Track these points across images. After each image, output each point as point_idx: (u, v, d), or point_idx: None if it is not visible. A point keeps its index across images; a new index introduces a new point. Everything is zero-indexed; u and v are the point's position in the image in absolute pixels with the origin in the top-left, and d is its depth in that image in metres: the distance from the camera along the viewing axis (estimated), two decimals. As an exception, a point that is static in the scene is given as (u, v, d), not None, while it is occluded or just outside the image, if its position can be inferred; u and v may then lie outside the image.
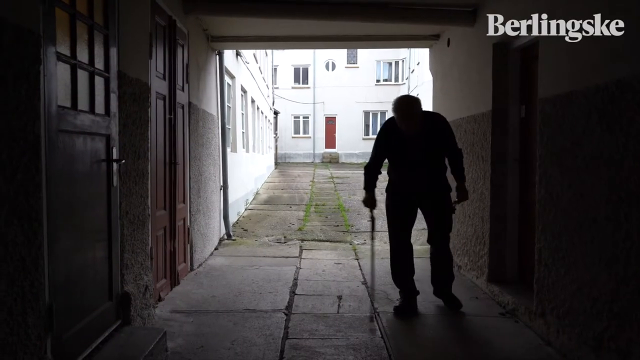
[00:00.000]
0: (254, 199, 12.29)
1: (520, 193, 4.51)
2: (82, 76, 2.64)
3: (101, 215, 2.92)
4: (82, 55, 2.64)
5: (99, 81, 2.82)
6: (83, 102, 2.64)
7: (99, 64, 2.83)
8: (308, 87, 30.87)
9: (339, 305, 4.30)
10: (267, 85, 18.99)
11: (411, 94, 26.38)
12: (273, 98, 23.69)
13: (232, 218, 8.20)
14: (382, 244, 7.05)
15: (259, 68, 15.07)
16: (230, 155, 7.86)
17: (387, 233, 4.26)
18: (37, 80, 2.10)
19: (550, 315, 3.42)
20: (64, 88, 2.44)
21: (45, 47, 2.19)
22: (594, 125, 2.89)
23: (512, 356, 3.27)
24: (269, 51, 19.74)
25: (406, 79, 28.23)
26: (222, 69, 7.19)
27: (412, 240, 4.21)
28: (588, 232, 2.96)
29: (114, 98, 3.00)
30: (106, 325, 2.94)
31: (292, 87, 30.70)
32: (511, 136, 4.53)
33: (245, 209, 10.62)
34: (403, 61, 29.21)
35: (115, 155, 3.00)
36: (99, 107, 2.83)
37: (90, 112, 2.71)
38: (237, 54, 9.41)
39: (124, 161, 3.11)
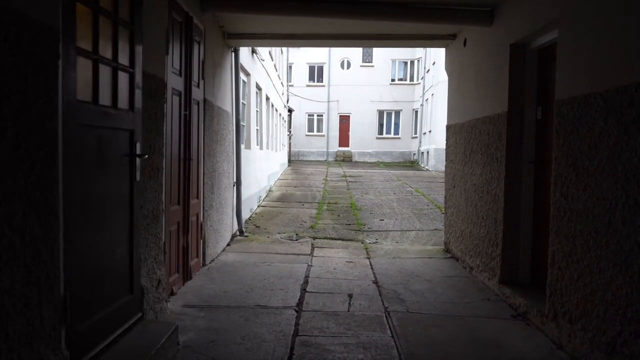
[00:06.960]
0: (266, 196, 12.33)
1: (534, 195, 4.47)
2: (105, 71, 2.66)
3: (123, 209, 2.95)
4: (105, 51, 2.66)
5: (122, 76, 2.85)
6: (105, 97, 2.66)
7: (124, 59, 2.86)
8: (323, 86, 30.85)
9: (349, 303, 4.30)
10: (281, 83, 19.01)
11: (426, 93, 26.31)
12: (287, 96, 23.71)
13: (245, 215, 8.24)
14: (394, 244, 7.07)
15: (274, 66, 15.10)
16: (244, 152, 7.89)
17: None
18: (55, 74, 2.13)
19: (562, 319, 3.39)
20: (84, 83, 2.46)
21: (65, 42, 2.22)
22: (612, 128, 2.86)
23: (523, 359, 3.25)
24: (284, 49, 19.77)
25: (421, 78, 28.08)
26: (238, 66, 7.22)
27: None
28: (603, 235, 2.93)
29: (138, 94, 3.03)
30: (127, 317, 2.97)
31: (307, 85, 30.72)
32: (526, 138, 4.49)
33: (258, 206, 10.66)
34: (418, 61, 29.06)
35: (139, 151, 3.03)
36: (122, 102, 2.85)
37: (112, 107, 2.74)
38: (253, 52, 9.45)
39: (147, 156, 3.14)
